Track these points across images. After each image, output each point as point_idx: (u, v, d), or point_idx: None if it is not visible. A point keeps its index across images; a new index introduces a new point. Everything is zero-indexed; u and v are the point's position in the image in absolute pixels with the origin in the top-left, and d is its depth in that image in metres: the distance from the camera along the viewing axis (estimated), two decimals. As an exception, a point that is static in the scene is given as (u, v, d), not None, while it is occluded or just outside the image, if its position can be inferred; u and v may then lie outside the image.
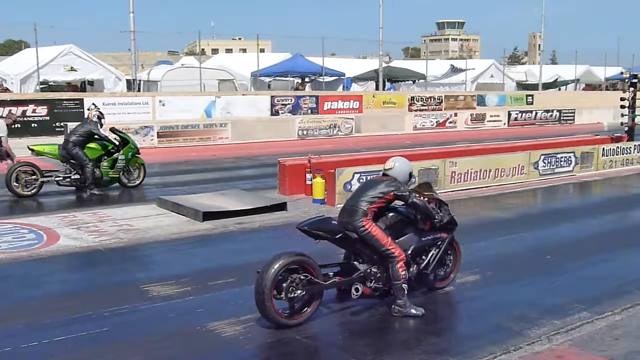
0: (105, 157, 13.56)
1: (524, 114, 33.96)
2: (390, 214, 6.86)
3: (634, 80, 19.52)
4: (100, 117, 13.49)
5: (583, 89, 51.16)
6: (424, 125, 29.88)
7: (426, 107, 32.01)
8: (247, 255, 9.21)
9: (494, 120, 32.60)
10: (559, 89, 48.05)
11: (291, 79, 37.02)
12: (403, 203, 6.75)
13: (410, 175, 6.93)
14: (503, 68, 45.79)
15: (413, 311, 6.59)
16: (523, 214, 12.45)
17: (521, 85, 47.51)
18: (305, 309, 6.33)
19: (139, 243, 9.70)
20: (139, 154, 14.30)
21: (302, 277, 6.20)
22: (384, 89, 35.78)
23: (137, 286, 7.58)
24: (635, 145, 18.52)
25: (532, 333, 6.34)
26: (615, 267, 8.95)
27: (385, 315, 6.85)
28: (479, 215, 12.42)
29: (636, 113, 19.70)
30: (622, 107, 19.76)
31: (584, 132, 24.75)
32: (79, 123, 13.81)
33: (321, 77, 34.53)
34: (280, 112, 27.42)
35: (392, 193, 6.59)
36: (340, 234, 6.48)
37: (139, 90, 29.44)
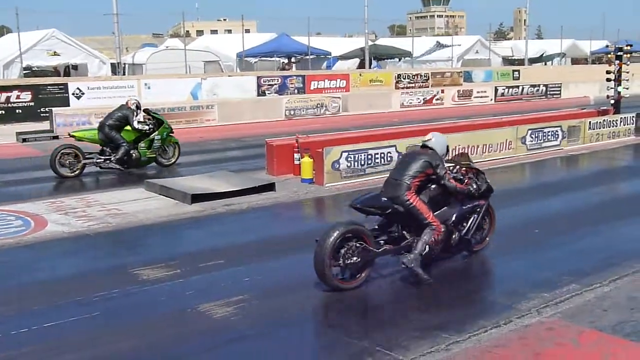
0: (143, 139, 13.99)
1: (510, 90, 33.94)
2: (432, 186, 7.16)
3: (619, 53, 19.52)
4: (139, 107, 14.06)
5: (573, 63, 51.28)
6: (411, 103, 29.82)
7: (413, 85, 31.94)
8: (236, 237, 9.18)
9: (481, 96, 32.59)
10: (545, 64, 48.08)
11: (277, 59, 36.80)
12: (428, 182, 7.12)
13: (447, 148, 7.46)
14: (489, 44, 45.69)
15: (420, 271, 6.80)
16: (511, 188, 12.46)
17: (507, 61, 47.50)
18: (360, 274, 6.73)
19: (127, 227, 9.64)
20: (173, 133, 14.71)
21: (357, 245, 6.60)
22: (370, 67, 35.64)
23: (126, 270, 7.55)
24: (621, 117, 18.59)
25: (522, 306, 6.37)
26: (603, 239, 9.01)
27: (374, 293, 6.87)
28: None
29: (622, 85, 19.70)
30: (608, 80, 19.77)
31: (570, 106, 24.76)
32: (116, 108, 14.16)
33: (307, 57, 34.34)
34: (267, 92, 27.29)
35: (430, 169, 7.00)
36: (390, 209, 6.88)
37: (123, 74, 29.20)
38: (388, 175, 7.34)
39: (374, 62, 38.15)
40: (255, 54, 35.04)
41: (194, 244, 8.91)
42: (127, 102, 14.14)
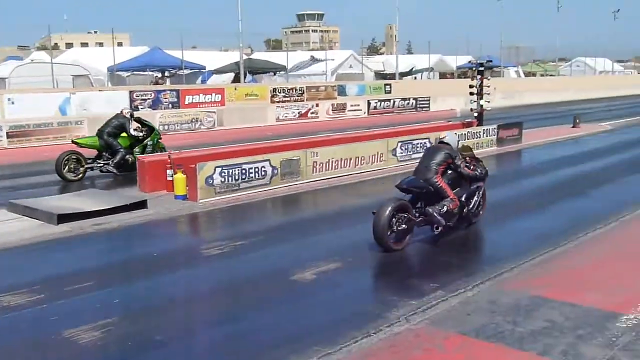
0: (137, 145, 15.19)
1: (382, 103, 35.03)
2: (449, 172, 9.39)
3: (480, 69, 20.64)
4: (132, 115, 15.53)
5: (441, 77, 53.61)
6: (286, 117, 30.07)
7: (288, 99, 32.19)
8: (106, 257, 8.85)
9: (355, 110, 33.39)
10: (415, 78, 50.01)
11: (150, 73, 35.97)
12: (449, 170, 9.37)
13: (458, 142, 10.02)
14: (362, 58, 46.97)
15: (440, 218, 8.92)
16: (383, 200, 12.79)
17: (379, 75, 48.97)
18: (405, 238, 8.65)
19: (-14, 251, 9.03)
20: (161, 138, 15.99)
21: (403, 216, 8.54)
22: (245, 81, 35.59)
23: (-17, 298, 7.06)
24: (484, 129, 19.63)
25: (392, 315, 6.54)
26: (477, 248, 9.44)
27: (235, 326, 6.83)
28: (341, 203, 12.67)
29: (484, 99, 20.80)
30: (471, 94, 20.84)
31: (438, 119, 25.85)
32: (112, 117, 15.37)
33: (181, 71, 33.81)
34: (140, 107, 26.57)
35: (450, 160, 9.28)
36: (425, 189, 8.99)
37: (-17, 88, 27.47)
38: (417, 164, 9.55)
39: (249, 76, 38.14)
40: (127, 68, 34.06)
41: (60, 266, 8.48)
42: (122, 112, 15.48)
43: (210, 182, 12.17)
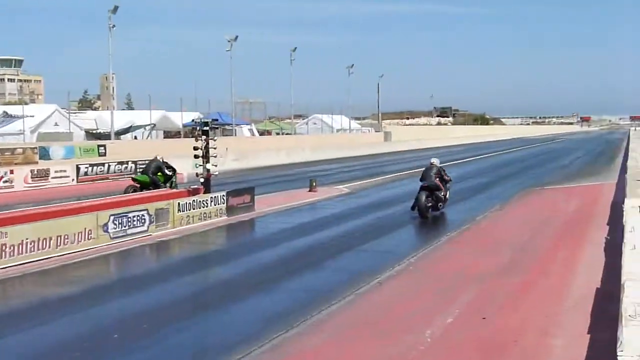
0: (168, 181, 23.92)
1: (95, 168, 34.06)
2: (438, 179, 19.70)
3: (205, 128, 21.05)
4: (162, 159, 24.37)
5: (166, 136, 53.82)
6: (-28, 187, 27.82)
7: (-27, 164, 29.91)
8: None
9: (61, 177, 31.97)
10: (135, 137, 49.65)
11: None
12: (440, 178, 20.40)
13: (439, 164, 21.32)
14: (69, 115, 45.53)
15: (442, 203, 20.49)
16: (90, 286, 12.32)
17: (92, 134, 47.85)
18: (429, 211, 19.50)
19: None
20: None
21: (429, 198, 19.47)
22: None
23: None
24: (211, 197, 19.93)
25: None
26: (192, 335, 9.38)
27: None
28: (34, 295, 11.94)
29: (211, 162, 21.16)
30: (196, 156, 21.12)
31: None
32: (150, 160, 24.47)
33: None
34: None
35: (439, 172, 20.04)
36: (434, 187, 19.56)
37: None
38: (422, 174, 20.38)
39: None
40: None
41: None
42: (156, 157, 24.32)
43: None
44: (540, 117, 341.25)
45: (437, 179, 20.01)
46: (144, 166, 24.69)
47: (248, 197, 21.42)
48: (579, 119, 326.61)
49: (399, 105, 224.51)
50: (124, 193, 22.34)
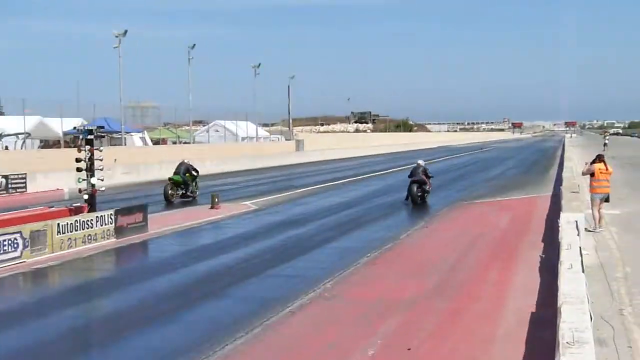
0: (194, 181, 32.47)
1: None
2: (424, 175, 29.26)
3: (89, 137, 20.59)
4: (189, 163, 32.85)
5: (44, 146, 52.46)
6: None
7: None
8: None
9: None
10: (6, 148, 48.23)
11: None
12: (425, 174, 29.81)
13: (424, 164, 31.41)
14: None
15: (428, 193, 30.00)
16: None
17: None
18: (418, 199, 28.90)
19: None
20: None
21: (419, 189, 29.04)
22: None
23: None
24: (97, 216, 19.52)
25: None
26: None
27: None
28: None
29: (97, 176, 20.71)
30: (79, 169, 20.65)
31: (39, 204, 25.13)
32: (180, 164, 32.48)
33: None
34: None
35: (424, 170, 29.65)
36: (422, 181, 29.01)
37: None
38: (415, 166, 29.92)
39: None
40: None
41: None
42: (183, 161, 32.66)
43: None
44: (468, 123, 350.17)
45: (423, 175, 29.56)
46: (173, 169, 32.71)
47: (140, 216, 21.11)
48: (510, 124, 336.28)
49: (312, 110, 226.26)
50: (164, 192, 31.16)
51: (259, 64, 79.22)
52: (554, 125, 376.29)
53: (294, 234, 21.51)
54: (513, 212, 26.57)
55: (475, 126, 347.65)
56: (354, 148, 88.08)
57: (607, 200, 20.75)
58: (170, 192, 31.00)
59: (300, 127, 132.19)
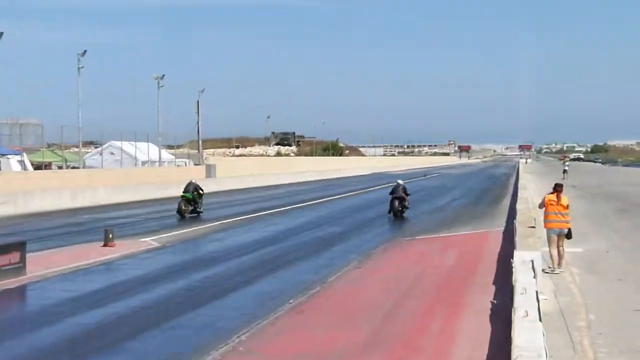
0: (200, 198, 42.42)
1: None
2: (403, 193, 41.09)
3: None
4: (196, 182, 43.25)
5: None
6: None
7: None
8: None
9: None
10: None
11: None
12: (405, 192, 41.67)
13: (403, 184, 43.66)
14: None
15: (406, 208, 41.67)
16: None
17: None
18: (399, 214, 40.65)
19: None
20: None
21: (400, 204, 40.64)
22: None
23: None
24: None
25: None
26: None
27: None
28: None
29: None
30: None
31: None
32: (189, 183, 42.03)
33: None
34: None
35: (403, 188, 41.43)
36: (402, 197, 40.65)
37: None
38: (395, 185, 41.70)
39: None
40: None
41: None
42: (191, 181, 42.42)
43: None
44: (408, 146, 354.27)
45: (403, 193, 40.57)
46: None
47: (17, 256, 20.67)
48: (457, 148, 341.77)
49: (226, 130, 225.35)
50: (178, 208, 40.70)
51: (163, 75, 78.94)
52: (507, 148, 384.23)
53: (205, 276, 21.40)
54: (460, 250, 26.89)
55: (416, 149, 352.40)
56: (276, 174, 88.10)
57: (568, 236, 21.10)
58: (183, 207, 40.92)
59: (212, 150, 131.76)
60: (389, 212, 40.23)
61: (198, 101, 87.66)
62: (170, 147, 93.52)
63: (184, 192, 41.66)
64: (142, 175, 66.41)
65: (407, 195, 41.46)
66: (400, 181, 42.62)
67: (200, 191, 42.17)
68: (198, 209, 41.80)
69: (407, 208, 41.30)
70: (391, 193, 41.37)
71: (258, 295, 18.69)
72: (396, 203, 40.25)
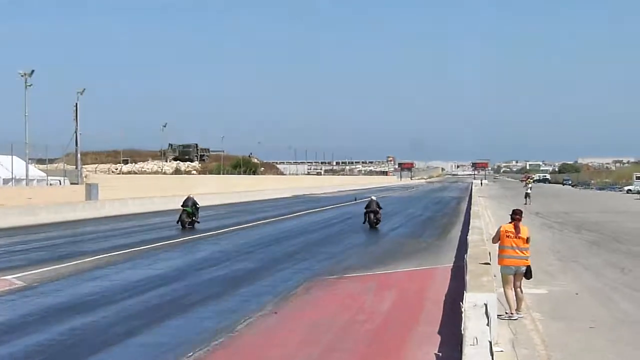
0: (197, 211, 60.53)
1: None
2: (377, 207, 59.72)
3: None
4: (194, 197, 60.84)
5: None
6: None
7: None
8: None
9: None
10: None
11: None
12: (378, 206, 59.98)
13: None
14: None
15: (380, 221, 59.72)
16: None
17: None
18: (374, 225, 59.01)
19: None
20: None
21: (375, 217, 59.17)
22: None
23: None
24: None
25: None
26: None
27: None
28: None
29: None
30: None
31: None
32: (187, 198, 58.64)
33: None
34: None
35: (378, 203, 60.57)
36: (375, 210, 59.15)
37: None
38: (367, 205, 59.76)
39: None
40: None
41: None
42: (189, 196, 58.83)
43: None
44: (338, 163, 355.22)
45: (376, 207, 56.51)
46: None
47: None
48: (397, 166, 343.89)
49: (113, 141, 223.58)
50: (180, 219, 55.68)
51: (32, 71, 78.05)
52: (458, 167, 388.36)
53: (81, 323, 21.01)
54: (399, 291, 26.94)
55: (348, 167, 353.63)
56: (172, 196, 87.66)
57: (527, 276, 21.19)
58: (186, 219, 56.03)
59: (94, 166, 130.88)
60: (364, 222, 57.74)
61: (76, 104, 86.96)
62: (41, 161, 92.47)
63: (183, 205, 57.56)
64: (3, 197, 65.45)
65: (379, 209, 58.61)
66: (373, 197, 61.07)
67: (197, 205, 58.31)
68: (196, 220, 57.83)
69: (380, 221, 58.05)
70: (366, 207, 58.96)
71: (147, 349, 18.24)
72: (371, 216, 57.50)
